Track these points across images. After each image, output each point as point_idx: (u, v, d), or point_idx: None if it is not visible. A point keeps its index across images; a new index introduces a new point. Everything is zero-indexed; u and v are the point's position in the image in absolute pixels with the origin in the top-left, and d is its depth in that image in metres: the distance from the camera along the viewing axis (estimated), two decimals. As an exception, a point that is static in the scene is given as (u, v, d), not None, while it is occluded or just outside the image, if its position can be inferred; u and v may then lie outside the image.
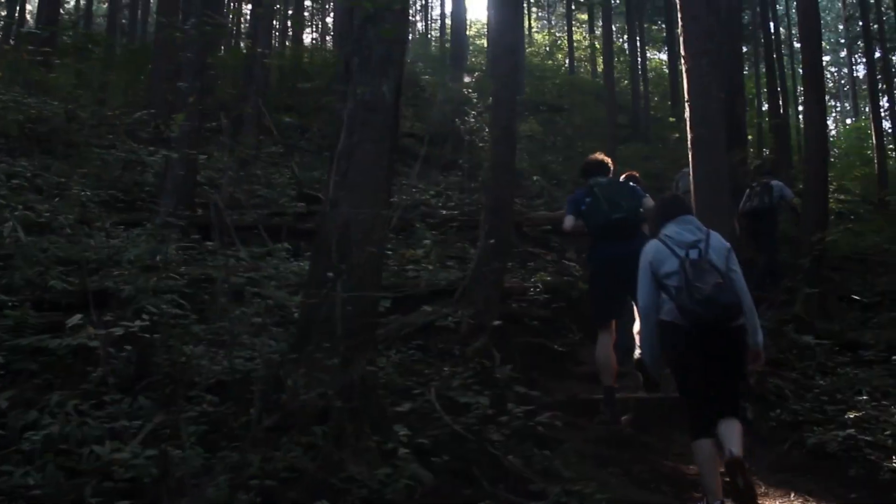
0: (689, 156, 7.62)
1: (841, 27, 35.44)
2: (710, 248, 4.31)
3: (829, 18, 39.40)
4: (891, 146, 24.42)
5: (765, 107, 23.81)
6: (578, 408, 5.87)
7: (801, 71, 20.25)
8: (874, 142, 21.78)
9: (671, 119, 19.49)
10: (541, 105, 20.82)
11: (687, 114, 7.70)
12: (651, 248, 4.47)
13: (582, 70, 30.03)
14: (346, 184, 4.17)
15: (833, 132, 37.06)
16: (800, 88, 25.51)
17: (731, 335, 4.21)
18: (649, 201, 6.19)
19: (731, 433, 4.03)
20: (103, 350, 4.19)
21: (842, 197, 17.75)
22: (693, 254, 4.27)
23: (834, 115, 41.35)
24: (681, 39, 7.92)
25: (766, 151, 22.73)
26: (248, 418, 3.82)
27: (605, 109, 18.72)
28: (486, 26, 25.83)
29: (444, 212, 10.50)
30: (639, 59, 26.22)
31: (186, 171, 8.18)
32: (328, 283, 4.01)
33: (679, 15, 7.93)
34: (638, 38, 26.99)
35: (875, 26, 26.63)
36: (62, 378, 4.20)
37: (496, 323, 6.30)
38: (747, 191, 11.48)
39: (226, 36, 19.29)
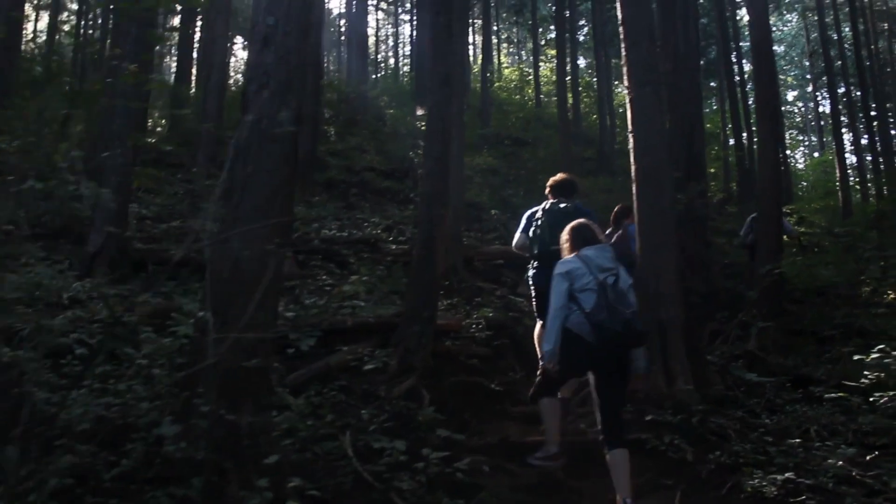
0: (633, 188, 7.45)
1: (807, 63, 35.87)
2: (619, 279, 4.83)
3: (794, 54, 39.96)
4: (855, 179, 24.49)
5: (732, 141, 23.95)
6: (510, 451, 5.57)
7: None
8: (838, 174, 21.96)
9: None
10: (505, 139, 20.74)
11: (630, 144, 7.55)
12: (570, 261, 4.91)
13: (550, 105, 30.09)
14: (239, 218, 3.90)
15: (801, 166, 37.44)
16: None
17: (623, 358, 4.74)
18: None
19: (621, 473, 4.53)
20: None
21: (802, 229, 17.75)
22: (610, 279, 4.77)
23: (802, 149, 41.73)
24: (624, 68, 7.78)
25: (734, 185, 22.93)
26: (120, 469, 3.51)
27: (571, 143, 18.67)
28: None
29: (394, 246, 10.24)
30: (605, 93, 26.38)
31: (118, 205, 7.88)
32: (217, 323, 3.72)
33: (623, 44, 7.80)
34: (605, 73, 27.16)
35: (839, 63, 27.01)
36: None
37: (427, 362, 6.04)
38: (748, 222, 11.64)
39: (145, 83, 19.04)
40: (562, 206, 6.29)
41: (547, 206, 6.32)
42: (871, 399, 6.07)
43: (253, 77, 4.05)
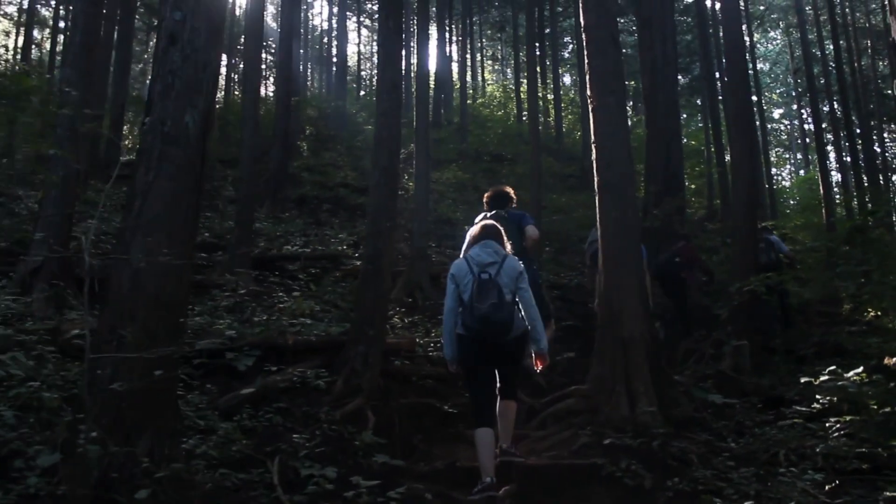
0: (597, 201, 7.17)
1: (790, 80, 35.87)
2: (502, 270, 5.06)
3: (779, 71, 39.96)
4: (840, 196, 24.33)
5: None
6: (457, 476, 5.22)
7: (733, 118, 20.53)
8: (822, 192, 21.80)
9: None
10: (484, 155, 20.51)
11: (594, 156, 7.27)
12: (457, 264, 5.20)
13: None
14: (140, 226, 3.58)
15: (787, 183, 37.35)
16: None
17: (505, 346, 5.06)
18: (531, 230, 6.99)
19: (505, 422, 5.16)
20: None
21: (789, 247, 17.46)
22: (485, 275, 5.02)
23: (788, 166, 41.68)
24: (587, 77, 7.51)
25: (718, 201, 22.70)
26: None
27: (550, 158, 18.41)
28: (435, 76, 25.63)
29: (358, 262, 9.92)
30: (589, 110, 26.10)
31: (61, 220, 7.54)
32: (113, 341, 3.39)
33: (586, 52, 7.54)
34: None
35: (822, 80, 26.96)
36: None
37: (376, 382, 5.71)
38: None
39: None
40: (493, 213, 6.76)
41: (479, 218, 6.44)
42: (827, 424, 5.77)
43: (157, 76, 3.74)
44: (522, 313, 5.09)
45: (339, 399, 5.71)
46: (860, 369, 5.80)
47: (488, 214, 6.60)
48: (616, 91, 7.33)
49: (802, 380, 6.12)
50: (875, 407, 5.41)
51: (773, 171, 35.60)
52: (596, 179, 7.18)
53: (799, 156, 39.41)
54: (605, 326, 6.84)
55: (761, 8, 32.85)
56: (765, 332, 10.09)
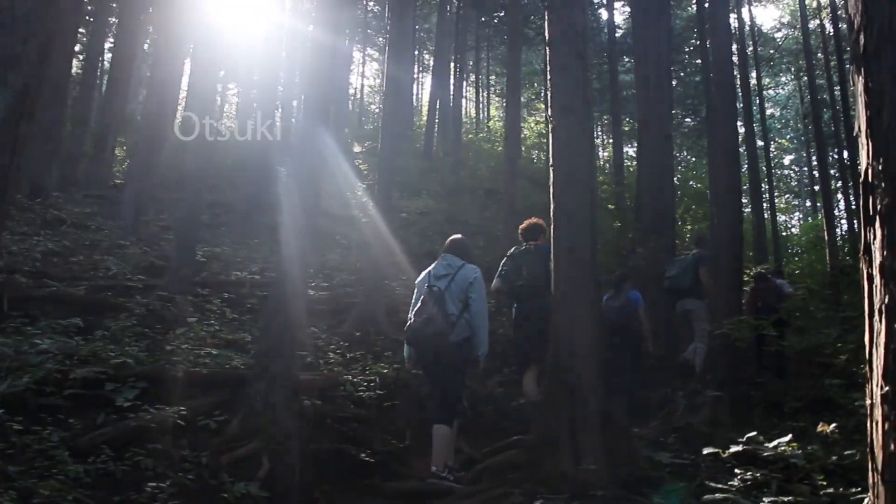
0: (551, 230, 6.48)
1: (800, 126, 35.25)
2: (452, 281, 5.71)
3: (789, 115, 39.34)
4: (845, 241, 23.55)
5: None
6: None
7: (763, 162, 19.79)
8: (826, 238, 21.08)
9: (610, 206, 18.73)
10: (479, 189, 19.94)
11: (551, 179, 6.58)
12: (421, 275, 6.01)
13: (533, 157, 29.35)
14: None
15: (795, 230, 36.54)
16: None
17: (441, 352, 5.63)
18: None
19: (436, 448, 5.43)
20: None
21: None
22: (435, 287, 5.68)
23: (798, 213, 40.86)
24: (548, 94, 6.87)
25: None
26: None
27: (541, 193, 17.78)
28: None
29: (312, 292, 9.23)
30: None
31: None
32: None
33: (548, 68, 6.90)
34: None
35: (832, 127, 26.33)
36: None
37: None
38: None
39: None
40: (524, 247, 7.29)
41: (512, 250, 7.37)
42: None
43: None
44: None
45: (232, 442, 4.98)
46: (789, 437, 5.10)
47: (523, 247, 7.30)
48: (576, 111, 6.66)
49: (747, 436, 5.39)
50: (823, 482, 4.68)
51: (781, 217, 34.77)
52: (552, 206, 6.49)
53: (808, 203, 38.60)
54: (552, 371, 6.11)
55: (771, 51, 32.32)
56: (748, 383, 9.33)
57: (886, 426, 2.20)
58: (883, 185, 2.28)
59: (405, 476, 5.65)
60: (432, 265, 6.05)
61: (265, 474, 4.77)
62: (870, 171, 2.34)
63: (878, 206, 2.29)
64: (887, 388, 2.20)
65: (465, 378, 6.05)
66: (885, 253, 2.25)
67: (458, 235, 6.41)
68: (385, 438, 6.00)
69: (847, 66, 25.77)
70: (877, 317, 2.28)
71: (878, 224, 2.30)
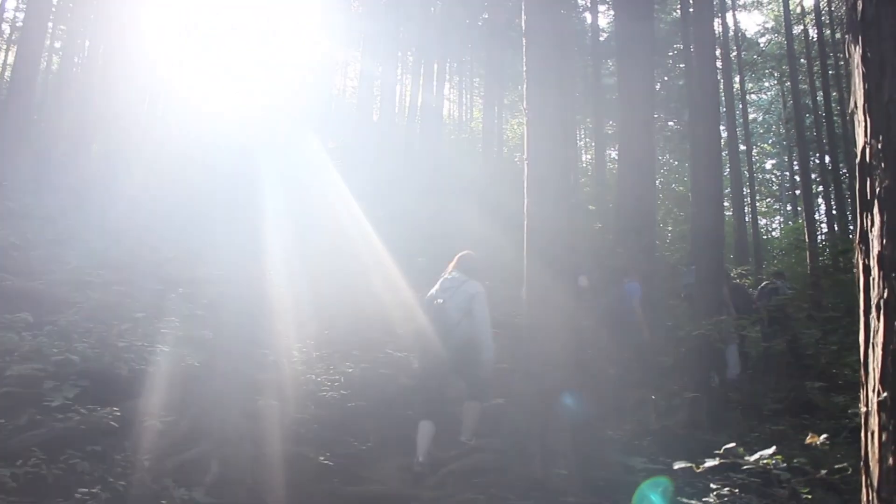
0: (525, 227, 6.19)
1: (782, 130, 35.25)
2: (454, 296, 5.85)
3: (771, 120, 39.33)
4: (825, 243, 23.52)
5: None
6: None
7: (745, 166, 19.64)
8: (807, 241, 21.00)
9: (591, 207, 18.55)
10: (457, 188, 19.68)
11: (525, 174, 6.31)
12: (434, 288, 6.10)
13: (515, 158, 29.17)
14: None
15: (776, 234, 36.56)
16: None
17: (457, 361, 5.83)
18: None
19: (423, 439, 5.52)
20: None
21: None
22: (439, 300, 5.89)
23: (779, 217, 40.86)
24: (524, 89, 6.60)
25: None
26: None
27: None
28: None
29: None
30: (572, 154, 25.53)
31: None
32: None
33: (525, 58, 6.61)
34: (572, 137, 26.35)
35: (814, 132, 26.32)
36: None
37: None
38: (759, 287, 11.63)
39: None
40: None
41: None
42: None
43: None
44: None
45: (181, 444, 4.67)
46: (773, 449, 4.82)
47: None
48: (555, 104, 6.40)
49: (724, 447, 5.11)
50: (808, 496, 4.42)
51: (762, 221, 34.79)
52: (525, 202, 6.22)
53: (789, 207, 38.61)
54: (525, 375, 5.86)
55: (755, 56, 32.26)
56: (726, 384, 9.15)
57: (884, 437, 1.94)
58: (883, 165, 2.02)
59: (366, 480, 5.34)
60: (438, 282, 6.10)
61: (213, 479, 4.47)
62: (867, 150, 2.09)
63: (877, 189, 2.03)
64: (885, 395, 1.94)
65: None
66: (884, 241, 1.99)
67: (468, 252, 6.29)
68: (347, 440, 5.70)
69: (830, 71, 25.82)
70: (873, 313, 2.02)
71: (876, 209, 2.04)
